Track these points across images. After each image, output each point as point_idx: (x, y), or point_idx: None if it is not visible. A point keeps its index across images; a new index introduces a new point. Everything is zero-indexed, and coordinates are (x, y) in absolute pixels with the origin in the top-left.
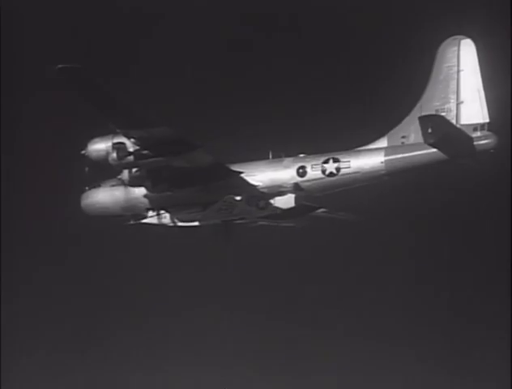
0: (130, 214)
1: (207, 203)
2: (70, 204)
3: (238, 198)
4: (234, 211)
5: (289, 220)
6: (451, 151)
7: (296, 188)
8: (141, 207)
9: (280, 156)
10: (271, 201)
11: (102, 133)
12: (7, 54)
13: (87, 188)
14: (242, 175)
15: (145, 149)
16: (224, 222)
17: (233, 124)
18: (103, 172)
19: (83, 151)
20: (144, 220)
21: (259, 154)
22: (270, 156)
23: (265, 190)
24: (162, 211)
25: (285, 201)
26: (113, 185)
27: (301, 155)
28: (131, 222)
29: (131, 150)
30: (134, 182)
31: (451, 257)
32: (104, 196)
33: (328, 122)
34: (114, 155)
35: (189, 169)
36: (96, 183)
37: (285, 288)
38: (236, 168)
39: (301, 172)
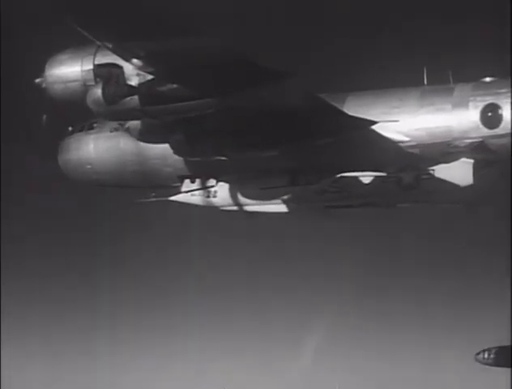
0: (147, 185)
1: (298, 176)
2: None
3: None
4: (353, 192)
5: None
6: None
7: (478, 149)
8: (168, 174)
9: (447, 80)
10: (429, 172)
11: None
12: None
13: (69, 129)
14: (375, 126)
15: (167, 80)
16: (327, 208)
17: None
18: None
19: (38, 80)
20: (175, 196)
21: (399, 77)
22: (425, 80)
23: (415, 151)
24: (212, 183)
25: (455, 172)
26: (116, 130)
27: (488, 78)
28: (152, 198)
29: (133, 82)
30: (148, 137)
31: None
32: (102, 149)
33: None
34: (99, 92)
35: (261, 114)
36: (84, 124)
37: None
38: (359, 106)
39: (491, 115)
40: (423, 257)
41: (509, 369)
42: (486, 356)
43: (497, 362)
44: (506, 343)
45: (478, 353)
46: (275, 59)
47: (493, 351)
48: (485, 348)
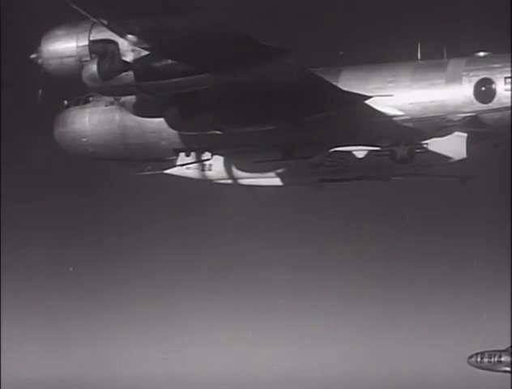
0: (142, 158)
1: (293, 150)
2: None
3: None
4: (348, 166)
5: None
6: None
7: (472, 123)
8: (163, 148)
9: (441, 55)
10: (423, 146)
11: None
12: None
13: (65, 103)
14: (369, 100)
15: (162, 56)
16: (322, 182)
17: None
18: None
19: (33, 56)
20: (170, 170)
21: (392, 52)
22: (419, 55)
23: (409, 125)
24: (207, 156)
25: (449, 146)
26: (111, 104)
27: (482, 53)
28: (147, 172)
29: (128, 58)
30: (143, 111)
31: None
32: (97, 123)
33: None
34: (94, 68)
35: (255, 89)
36: (79, 97)
37: None
38: (353, 81)
39: (485, 90)
40: (416, 232)
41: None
42: (479, 359)
43: (489, 366)
44: (501, 342)
45: (471, 356)
46: (270, 34)
47: (486, 355)
48: (478, 351)
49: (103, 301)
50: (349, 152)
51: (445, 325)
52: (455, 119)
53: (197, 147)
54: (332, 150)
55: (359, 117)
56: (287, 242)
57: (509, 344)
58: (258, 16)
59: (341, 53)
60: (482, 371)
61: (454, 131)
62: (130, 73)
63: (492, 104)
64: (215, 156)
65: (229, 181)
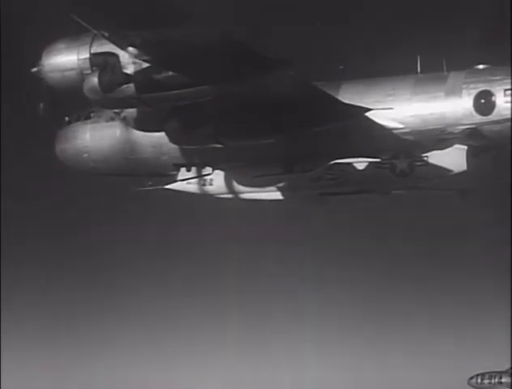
0: (143, 173)
1: (294, 164)
2: None
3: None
4: (348, 179)
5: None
6: None
7: (472, 135)
8: (164, 162)
9: (441, 68)
10: (423, 158)
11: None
12: None
13: (66, 119)
14: (369, 113)
15: (163, 68)
16: (322, 195)
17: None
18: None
19: (34, 69)
20: (171, 185)
21: (394, 64)
22: (419, 68)
23: (410, 138)
24: (207, 171)
25: (449, 159)
26: (112, 119)
27: (481, 66)
28: (148, 187)
29: (129, 70)
30: (144, 125)
31: None
32: (98, 138)
33: None
34: (95, 80)
35: (256, 102)
36: (80, 113)
37: None
38: (353, 94)
39: (484, 102)
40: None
41: None
42: (479, 380)
43: (490, 387)
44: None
45: (471, 378)
46: (270, 47)
47: (487, 376)
48: (479, 372)
49: (99, 316)
50: (350, 165)
51: (444, 346)
52: (455, 132)
53: (198, 161)
54: (332, 162)
55: (359, 130)
56: (287, 255)
57: (509, 366)
58: (258, 28)
59: (341, 67)
60: None
61: (454, 144)
62: (131, 85)
63: (492, 117)
64: (216, 171)
65: (230, 196)
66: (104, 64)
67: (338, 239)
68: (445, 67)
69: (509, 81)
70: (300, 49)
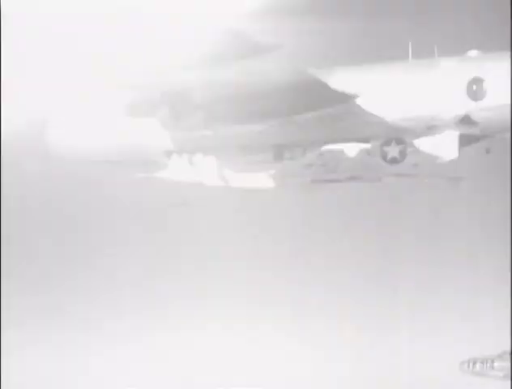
0: (134, 160)
1: (284, 150)
2: None
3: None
4: (340, 166)
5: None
6: None
7: (464, 122)
8: (155, 149)
9: (432, 54)
10: (414, 145)
11: None
12: None
13: None
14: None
15: None
16: (313, 182)
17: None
18: None
19: None
20: (162, 172)
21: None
22: (410, 54)
23: (401, 124)
24: (198, 157)
25: (440, 145)
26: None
27: (473, 51)
28: (138, 174)
29: None
30: (135, 112)
31: None
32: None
33: None
34: None
35: (246, 88)
36: None
37: None
38: (344, 80)
39: (476, 88)
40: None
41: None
42: (471, 365)
43: (482, 373)
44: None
45: (463, 363)
46: (261, 31)
47: (479, 361)
48: (470, 357)
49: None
50: (340, 152)
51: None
52: (447, 118)
53: (188, 148)
54: (324, 149)
55: (350, 116)
56: (279, 244)
57: (501, 350)
58: (249, 13)
59: (333, 52)
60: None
61: (446, 130)
62: None
63: (484, 103)
64: (207, 158)
65: (221, 183)
66: None
67: (327, 227)
68: (436, 53)
69: (501, 67)
70: (290, 34)
